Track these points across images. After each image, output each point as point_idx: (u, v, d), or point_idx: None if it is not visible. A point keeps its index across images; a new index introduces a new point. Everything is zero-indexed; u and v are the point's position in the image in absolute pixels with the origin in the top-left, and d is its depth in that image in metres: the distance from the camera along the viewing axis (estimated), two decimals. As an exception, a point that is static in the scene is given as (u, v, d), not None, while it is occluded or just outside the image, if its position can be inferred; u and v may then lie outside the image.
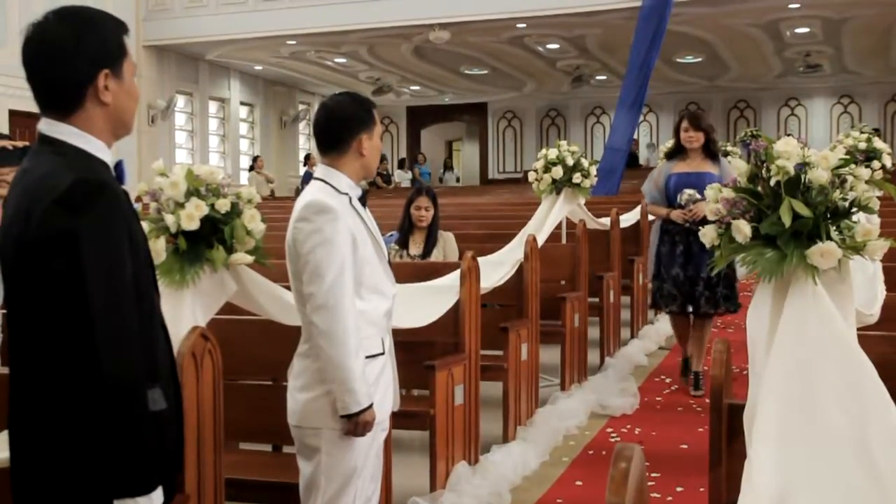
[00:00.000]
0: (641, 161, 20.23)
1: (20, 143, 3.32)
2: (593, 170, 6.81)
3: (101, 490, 1.82)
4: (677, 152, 6.20)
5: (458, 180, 23.00)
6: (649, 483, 4.28)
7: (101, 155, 1.93)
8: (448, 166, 23.29)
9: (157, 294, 2.03)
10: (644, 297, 7.98)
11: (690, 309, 6.10)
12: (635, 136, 16.37)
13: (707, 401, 2.58)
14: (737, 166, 2.46)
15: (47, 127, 1.93)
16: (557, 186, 6.68)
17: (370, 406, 2.73)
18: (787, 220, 2.28)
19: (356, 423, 2.72)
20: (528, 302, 5.57)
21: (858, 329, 2.38)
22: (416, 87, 21.35)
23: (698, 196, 5.77)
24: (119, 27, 1.98)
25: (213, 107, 18.44)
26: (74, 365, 1.79)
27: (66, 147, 1.90)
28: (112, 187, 1.87)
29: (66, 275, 1.78)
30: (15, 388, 1.89)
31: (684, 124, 6.11)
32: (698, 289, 5.95)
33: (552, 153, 6.70)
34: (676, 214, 5.97)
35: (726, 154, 9.70)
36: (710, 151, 6.08)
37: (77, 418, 1.80)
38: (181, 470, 2.13)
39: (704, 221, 5.17)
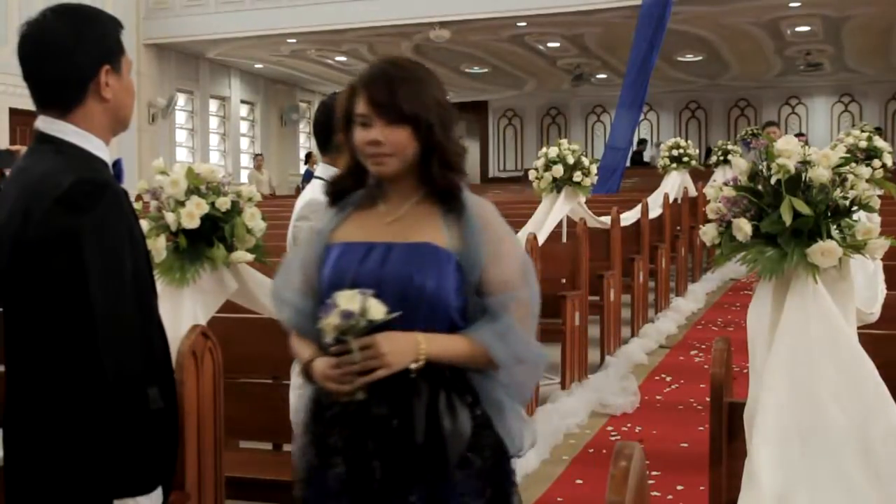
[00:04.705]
0: (646, 158, 19.76)
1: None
2: (594, 168, 6.79)
3: (101, 489, 1.82)
4: (355, 182, 2.06)
5: None
6: (650, 482, 4.27)
7: (101, 154, 1.93)
8: None
9: (154, 293, 2.03)
10: (645, 296, 7.96)
11: None
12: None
13: (707, 399, 2.58)
14: (737, 165, 2.46)
15: (46, 125, 1.92)
16: (558, 185, 6.67)
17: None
18: (787, 219, 2.27)
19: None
20: (529, 300, 5.55)
21: (859, 328, 2.38)
22: (417, 86, 21.31)
23: (374, 309, 1.79)
24: (115, 24, 1.99)
25: (213, 105, 18.43)
26: (75, 364, 1.78)
27: (66, 145, 1.90)
28: (113, 187, 1.87)
29: (67, 274, 1.78)
30: (11, 386, 1.88)
31: (360, 107, 1.98)
32: None
33: (553, 152, 6.70)
34: (323, 371, 1.87)
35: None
36: (434, 181, 1.95)
37: (77, 417, 1.79)
38: (176, 469, 2.13)
39: (411, 390, 1.84)
